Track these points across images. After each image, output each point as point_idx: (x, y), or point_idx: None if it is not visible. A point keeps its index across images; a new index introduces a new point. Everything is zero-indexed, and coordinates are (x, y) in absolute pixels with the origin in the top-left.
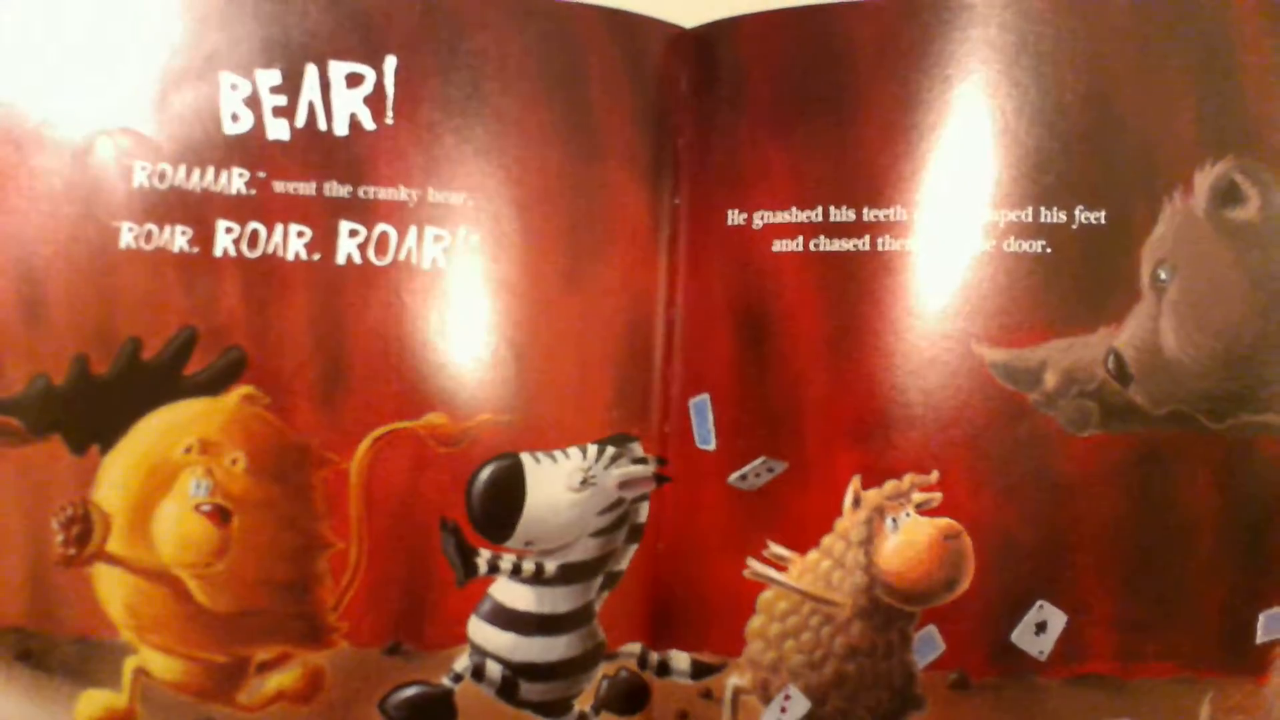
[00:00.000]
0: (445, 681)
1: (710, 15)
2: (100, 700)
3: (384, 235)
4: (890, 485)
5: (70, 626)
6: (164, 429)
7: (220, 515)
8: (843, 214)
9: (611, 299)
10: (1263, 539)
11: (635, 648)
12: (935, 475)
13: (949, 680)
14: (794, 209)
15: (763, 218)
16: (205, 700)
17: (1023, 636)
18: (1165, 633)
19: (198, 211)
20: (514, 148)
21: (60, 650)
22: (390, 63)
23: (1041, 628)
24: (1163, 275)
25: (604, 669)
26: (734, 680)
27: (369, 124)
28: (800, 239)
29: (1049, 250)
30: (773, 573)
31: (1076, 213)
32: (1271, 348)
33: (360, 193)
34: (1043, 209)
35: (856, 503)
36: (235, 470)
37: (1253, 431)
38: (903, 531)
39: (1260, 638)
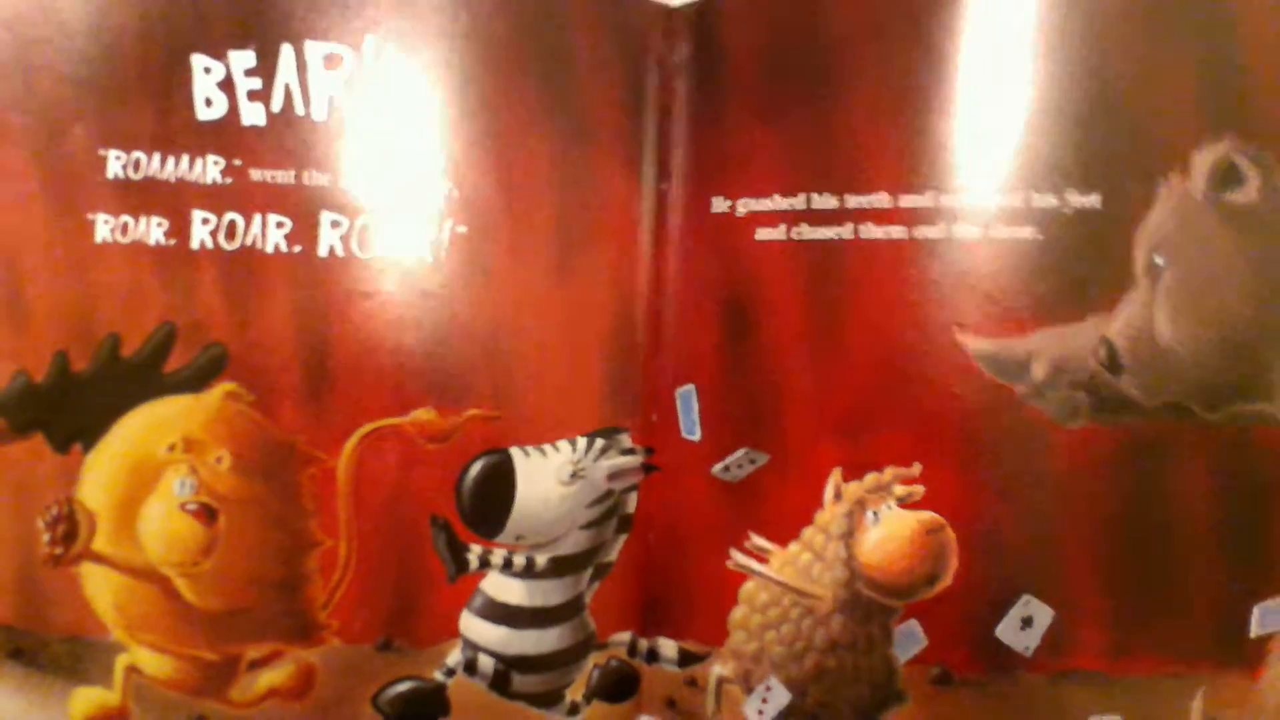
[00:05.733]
0: (438, 676)
1: None
2: (93, 697)
3: (367, 226)
4: (871, 478)
5: (61, 625)
6: (146, 427)
7: (206, 514)
8: (825, 201)
9: (600, 289)
10: (1258, 530)
11: (625, 636)
12: (917, 468)
13: (931, 675)
14: (776, 196)
15: (746, 205)
16: (198, 697)
17: (1008, 631)
18: (1155, 627)
19: (173, 202)
20: (500, 133)
21: (51, 648)
22: (370, 43)
23: (1027, 623)
24: (1159, 261)
25: (594, 658)
26: (718, 669)
27: (348, 108)
28: (782, 227)
29: (1039, 236)
30: (754, 564)
31: (1069, 196)
32: (1270, 335)
33: (341, 181)
34: (1033, 193)
35: (837, 495)
36: (220, 469)
37: (1248, 421)
38: (884, 524)
39: (1255, 631)
